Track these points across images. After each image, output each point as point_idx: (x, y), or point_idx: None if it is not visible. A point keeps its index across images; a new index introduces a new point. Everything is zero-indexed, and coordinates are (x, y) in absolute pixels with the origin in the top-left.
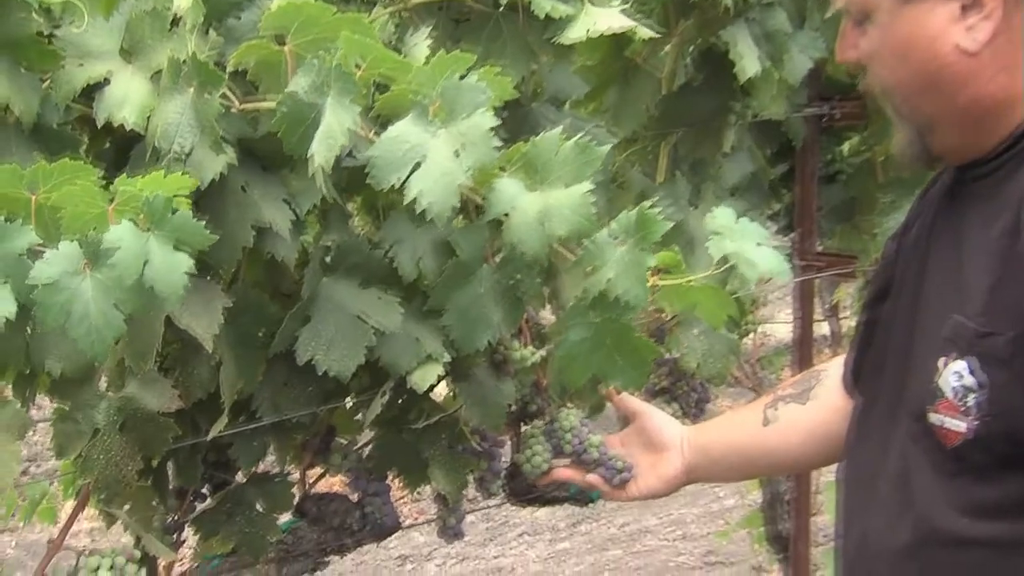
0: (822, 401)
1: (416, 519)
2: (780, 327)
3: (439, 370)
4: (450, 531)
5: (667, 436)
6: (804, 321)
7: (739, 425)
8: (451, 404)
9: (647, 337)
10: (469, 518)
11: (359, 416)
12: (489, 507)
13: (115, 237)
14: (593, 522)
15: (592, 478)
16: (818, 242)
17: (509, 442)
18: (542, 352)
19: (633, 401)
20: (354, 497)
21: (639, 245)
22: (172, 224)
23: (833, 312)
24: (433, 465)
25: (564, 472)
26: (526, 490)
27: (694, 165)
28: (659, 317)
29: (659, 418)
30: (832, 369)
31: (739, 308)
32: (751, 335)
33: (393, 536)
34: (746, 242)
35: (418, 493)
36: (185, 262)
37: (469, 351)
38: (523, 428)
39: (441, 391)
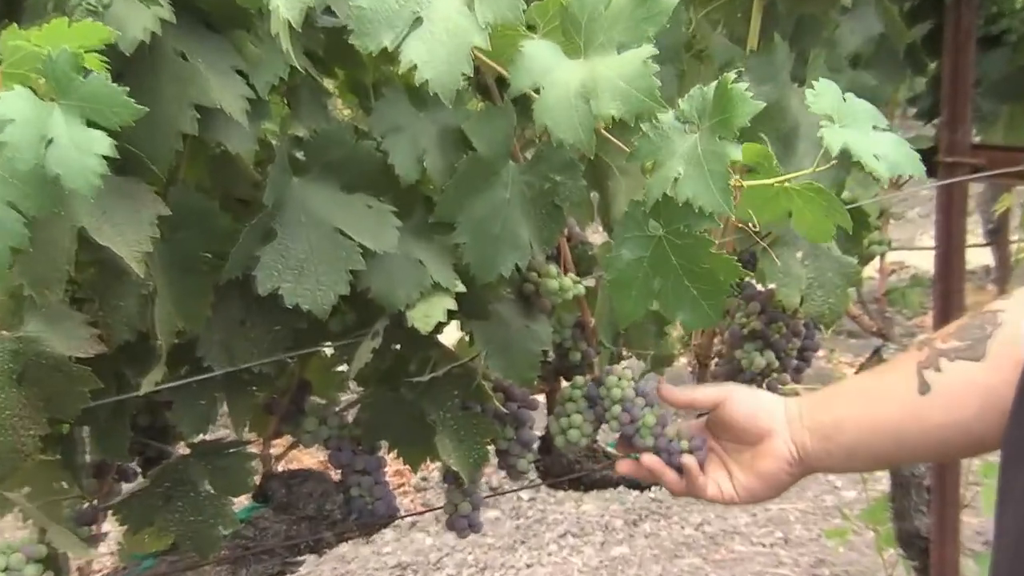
0: (1003, 358)
1: (418, 512)
2: (922, 256)
3: (449, 304)
4: (463, 522)
5: (764, 421)
6: (950, 242)
7: (881, 394)
8: (466, 351)
9: (728, 256)
10: (493, 513)
11: (342, 368)
12: (519, 495)
13: (4, 109)
14: (660, 519)
15: (650, 462)
16: (974, 131)
17: (544, 403)
18: (588, 281)
19: (700, 392)
20: (335, 476)
21: (718, 132)
22: (82, 91)
23: (997, 232)
24: (441, 433)
25: (620, 465)
26: (565, 469)
27: (800, 25)
28: (746, 232)
29: (747, 401)
30: (1012, 312)
31: (860, 222)
32: (877, 260)
33: (389, 534)
34: (859, 127)
35: (423, 477)
36: (101, 141)
37: (489, 279)
38: (562, 385)
39: (452, 334)
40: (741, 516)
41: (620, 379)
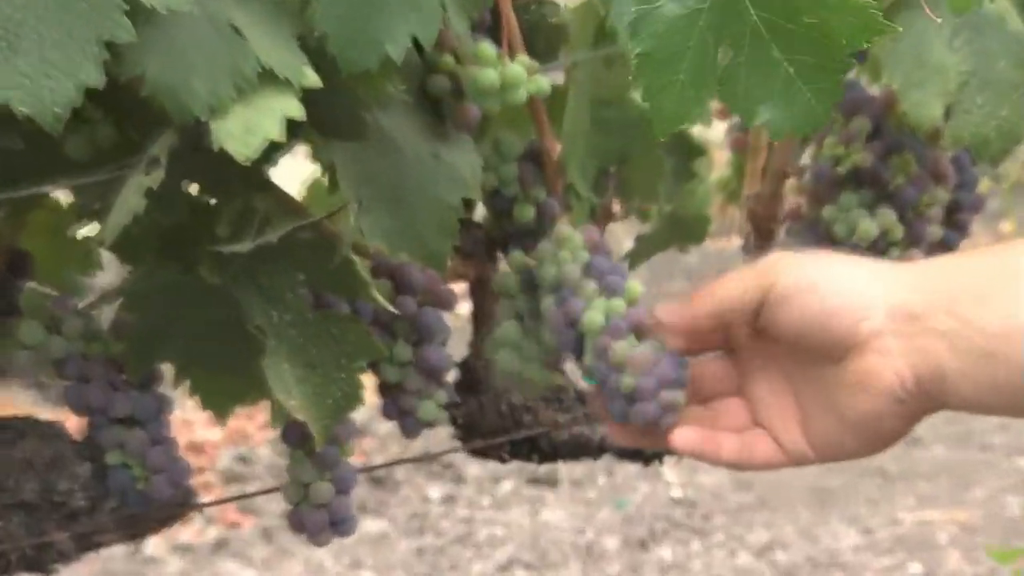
0: None
1: (228, 499)
2: None
3: (290, 110)
4: (319, 519)
5: (847, 320)
6: None
7: None
8: (321, 201)
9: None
10: (375, 524)
11: (89, 229)
12: (423, 489)
13: None
14: (691, 537)
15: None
16: None
17: (471, 304)
18: (553, 74)
19: (721, 290)
20: (77, 430)
21: None
22: None
23: None
24: (276, 352)
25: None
26: (504, 421)
27: None
28: None
29: (813, 285)
30: None
31: None
32: None
33: (172, 561)
34: None
35: (240, 456)
36: None
37: (365, 65)
38: (499, 267)
39: (297, 169)
40: (846, 532)
41: (560, 249)
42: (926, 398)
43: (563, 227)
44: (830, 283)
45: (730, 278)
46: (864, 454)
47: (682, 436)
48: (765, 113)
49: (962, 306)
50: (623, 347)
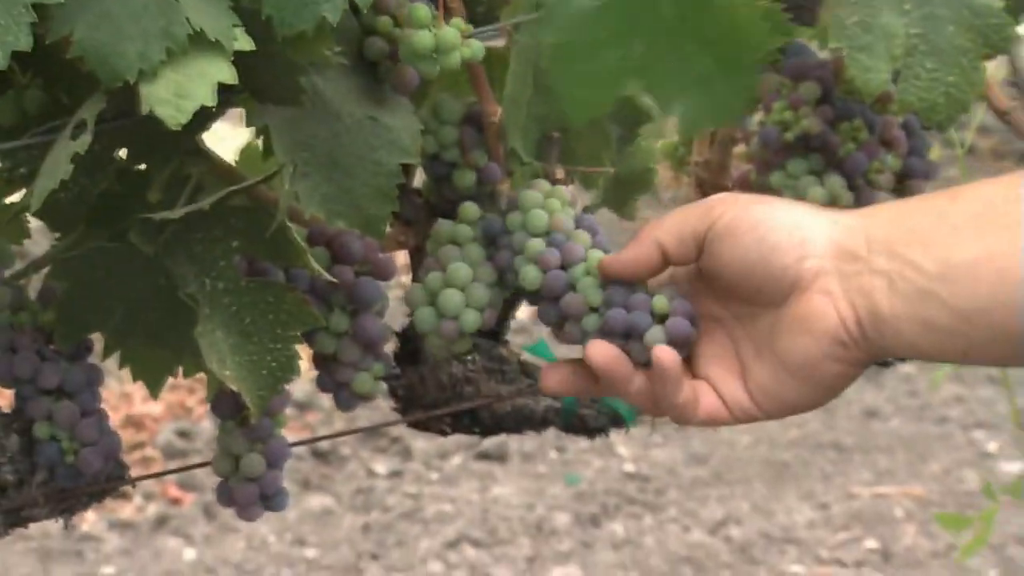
0: None
1: (160, 473)
2: None
3: (222, 75)
4: (250, 492)
5: (790, 257)
6: None
7: (996, 209)
8: (256, 167)
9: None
10: (317, 499)
11: (15, 196)
12: (365, 462)
13: None
14: (644, 513)
15: (600, 353)
16: None
17: (407, 269)
18: (493, 38)
19: (663, 229)
20: (3, 401)
21: None
22: None
23: None
24: (209, 320)
25: (547, 375)
26: (445, 392)
27: None
28: None
29: (757, 222)
30: None
31: None
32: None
33: (110, 538)
34: None
35: (180, 430)
36: None
37: (300, 27)
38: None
39: (231, 135)
40: (800, 508)
41: (548, 197)
42: (866, 342)
43: (544, 183)
44: (773, 220)
45: (675, 212)
46: (807, 405)
47: (641, 380)
48: (681, 107)
49: (902, 247)
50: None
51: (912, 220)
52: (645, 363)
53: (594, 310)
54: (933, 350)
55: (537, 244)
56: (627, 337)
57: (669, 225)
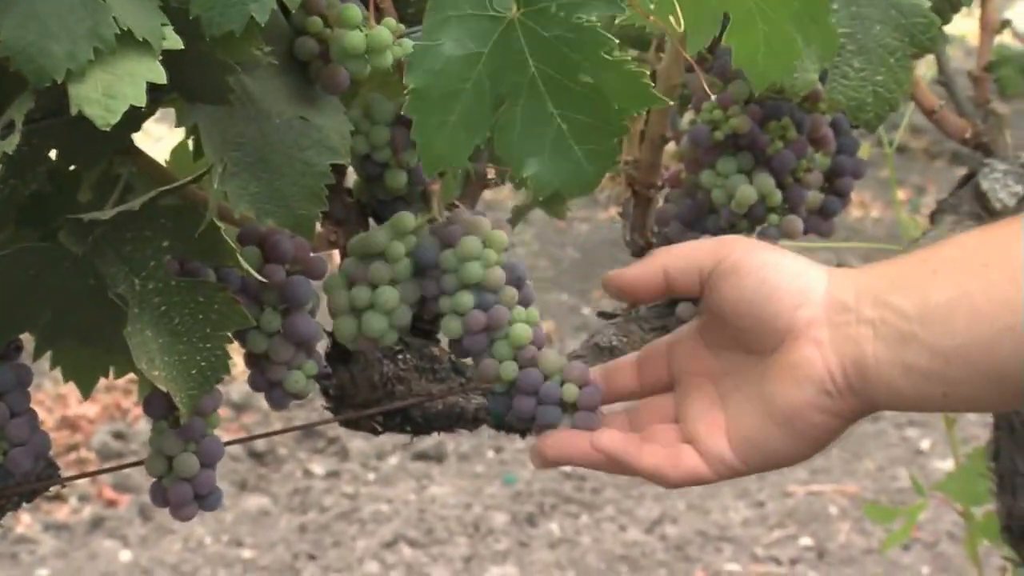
0: None
1: (95, 472)
2: None
3: (151, 74)
4: (183, 492)
5: (785, 305)
6: None
7: (970, 251)
8: (186, 167)
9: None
10: (255, 500)
11: None
12: (301, 460)
13: None
14: (581, 512)
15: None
16: None
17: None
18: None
19: (679, 253)
20: None
21: None
22: None
23: None
24: (139, 320)
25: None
26: (377, 391)
27: None
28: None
29: (758, 266)
30: None
31: None
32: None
33: (44, 540)
34: None
35: (115, 432)
36: None
37: (229, 26)
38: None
39: (163, 135)
40: (736, 506)
41: (487, 247)
42: (851, 391)
43: (483, 222)
44: (777, 266)
45: (685, 244)
46: (791, 457)
47: (609, 436)
48: (533, 166)
49: (885, 293)
50: (553, 356)
51: (896, 268)
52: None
53: (506, 381)
54: (915, 394)
55: (466, 300)
56: (532, 422)
57: (677, 253)
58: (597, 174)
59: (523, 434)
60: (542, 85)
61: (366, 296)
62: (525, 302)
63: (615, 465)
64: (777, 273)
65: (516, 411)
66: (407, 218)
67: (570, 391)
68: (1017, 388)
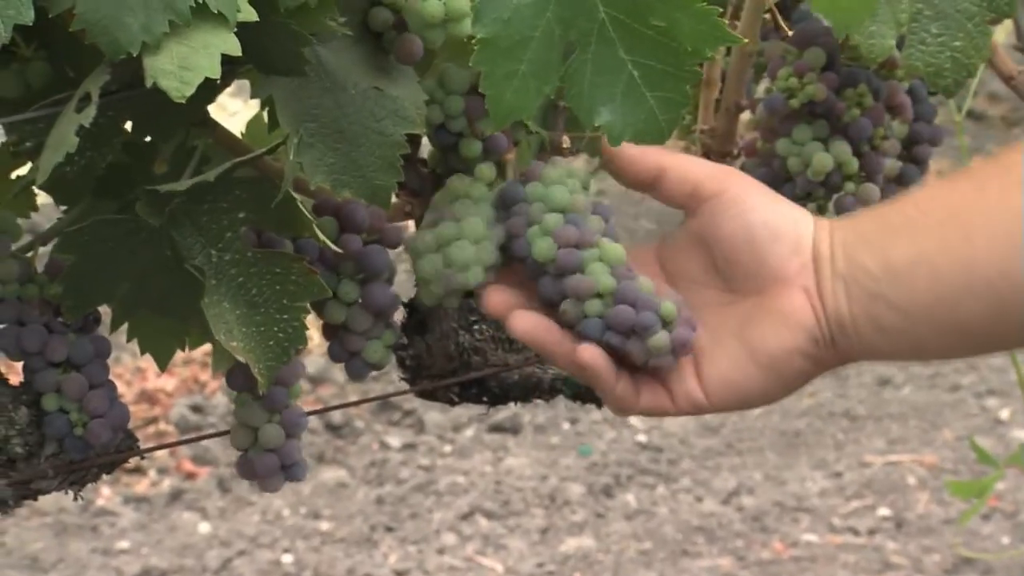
0: None
1: (171, 445)
2: None
3: (226, 47)
4: (270, 463)
5: (778, 252)
6: None
7: (985, 216)
8: (261, 138)
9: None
10: (330, 473)
11: (23, 170)
12: (378, 434)
13: None
14: (657, 483)
15: (589, 355)
16: None
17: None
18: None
19: (682, 161)
20: (13, 376)
21: None
22: None
23: None
24: (216, 291)
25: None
26: (454, 360)
27: None
28: None
29: (756, 208)
30: None
31: None
32: None
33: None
34: None
35: (193, 405)
36: None
37: None
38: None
39: (238, 108)
40: (813, 476)
41: (569, 177)
42: (833, 343)
43: (564, 160)
44: (778, 210)
45: (692, 158)
46: (761, 399)
47: (591, 353)
48: (605, 115)
49: (852, 249)
50: (644, 278)
51: (867, 222)
52: (641, 363)
53: (599, 296)
54: (889, 349)
55: (555, 218)
56: (630, 335)
57: (681, 161)
58: (670, 123)
59: (599, 404)
60: (612, 30)
61: (453, 229)
62: (611, 235)
63: (590, 378)
64: (779, 217)
65: (616, 319)
66: (488, 169)
67: (668, 306)
68: (986, 340)
